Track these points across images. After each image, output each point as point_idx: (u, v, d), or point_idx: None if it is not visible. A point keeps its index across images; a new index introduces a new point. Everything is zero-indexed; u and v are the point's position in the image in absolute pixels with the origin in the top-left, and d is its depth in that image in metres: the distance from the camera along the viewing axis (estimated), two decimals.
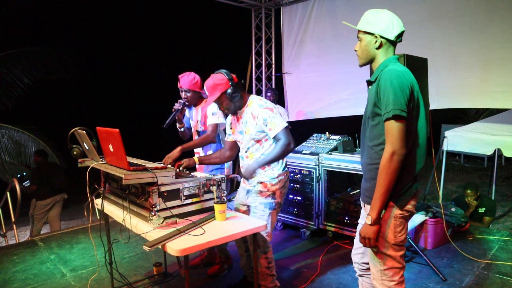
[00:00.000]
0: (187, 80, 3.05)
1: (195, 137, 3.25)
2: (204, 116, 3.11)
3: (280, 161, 2.57)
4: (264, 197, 2.55)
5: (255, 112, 2.49)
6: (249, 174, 2.49)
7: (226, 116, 2.99)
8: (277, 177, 2.56)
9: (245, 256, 2.84)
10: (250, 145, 2.56)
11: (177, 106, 3.07)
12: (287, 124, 2.47)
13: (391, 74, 1.67)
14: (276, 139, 2.47)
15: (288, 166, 2.75)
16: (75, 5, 11.42)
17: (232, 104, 2.52)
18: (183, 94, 3.10)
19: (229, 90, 2.45)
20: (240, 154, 2.68)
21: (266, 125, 2.46)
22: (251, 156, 2.57)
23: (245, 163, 2.62)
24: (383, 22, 1.75)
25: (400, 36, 1.79)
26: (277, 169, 2.56)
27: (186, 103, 3.12)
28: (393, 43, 1.79)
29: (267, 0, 6.11)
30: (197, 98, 3.14)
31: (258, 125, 2.48)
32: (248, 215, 2.63)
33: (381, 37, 1.76)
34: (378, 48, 1.78)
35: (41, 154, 6.08)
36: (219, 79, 2.47)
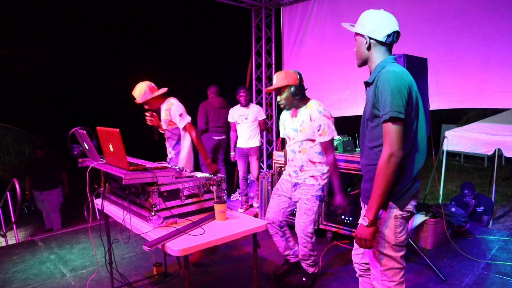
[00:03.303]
0: (137, 95, 3.24)
1: (166, 135, 3.51)
2: (169, 115, 3.31)
3: (324, 159, 2.85)
4: (315, 190, 2.84)
5: (313, 115, 2.75)
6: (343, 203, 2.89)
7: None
8: (326, 173, 2.86)
9: (283, 240, 3.09)
10: (305, 142, 2.82)
11: (149, 121, 3.43)
12: (335, 136, 2.79)
13: (389, 76, 1.66)
14: (323, 147, 2.79)
15: None
16: (76, 4, 11.41)
17: (291, 99, 2.77)
18: (146, 107, 3.36)
19: (293, 88, 2.73)
20: (291, 148, 2.91)
21: (318, 130, 2.74)
22: (304, 151, 2.84)
23: (296, 157, 2.87)
24: (372, 23, 1.75)
25: (391, 36, 1.76)
26: (325, 165, 2.86)
27: (153, 112, 3.39)
28: (384, 43, 1.77)
29: (267, 0, 6.11)
30: (157, 101, 3.33)
31: (312, 127, 2.75)
32: (287, 205, 2.98)
33: (370, 38, 1.76)
34: (368, 49, 1.78)
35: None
36: (291, 73, 2.78)
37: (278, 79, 2.77)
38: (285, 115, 3.01)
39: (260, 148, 5.14)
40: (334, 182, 2.86)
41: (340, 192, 2.85)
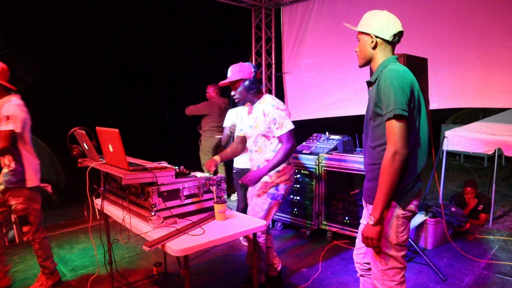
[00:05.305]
0: None
1: None
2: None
3: None
4: (268, 187, 2.69)
5: (266, 110, 2.61)
6: (255, 182, 2.59)
7: (234, 105, 2.96)
8: (281, 171, 2.69)
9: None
10: (259, 139, 2.70)
11: None
12: (293, 127, 2.61)
13: (391, 74, 1.67)
14: (279, 140, 2.61)
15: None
16: (76, 3, 11.42)
17: (245, 94, 2.64)
18: None
19: (247, 82, 2.60)
20: (250, 148, 2.80)
21: (274, 124, 2.59)
22: (260, 150, 2.72)
23: (253, 157, 2.77)
24: (378, 22, 1.76)
25: (397, 36, 1.78)
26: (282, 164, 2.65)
27: None
28: (390, 43, 1.79)
29: (267, 0, 6.11)
30: None
31: (267, 122, 2.61)
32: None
33: (376, 37, 1.77)
34: (374, 48, 1.79)
35: None
36: (245, 66, 2.64)
37: (232, 73, 2.63)
38: (243, 111, 2.87)
39: None
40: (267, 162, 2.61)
41: (258, 171, 2.58)
